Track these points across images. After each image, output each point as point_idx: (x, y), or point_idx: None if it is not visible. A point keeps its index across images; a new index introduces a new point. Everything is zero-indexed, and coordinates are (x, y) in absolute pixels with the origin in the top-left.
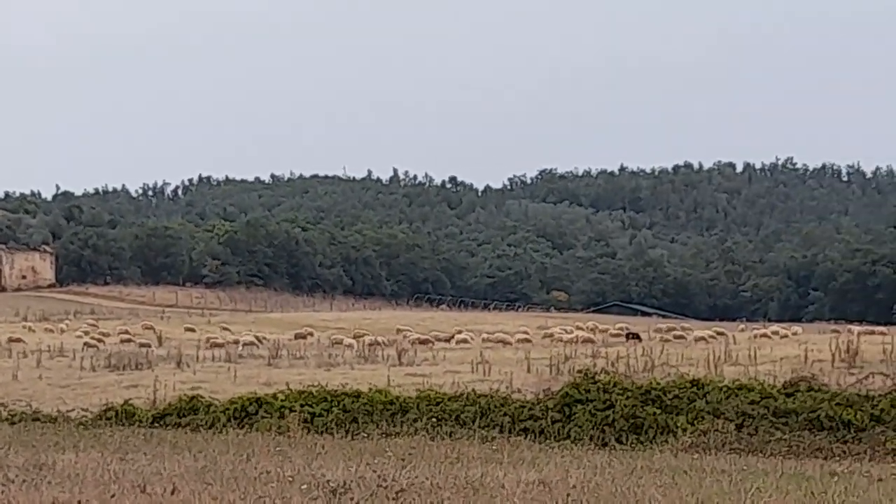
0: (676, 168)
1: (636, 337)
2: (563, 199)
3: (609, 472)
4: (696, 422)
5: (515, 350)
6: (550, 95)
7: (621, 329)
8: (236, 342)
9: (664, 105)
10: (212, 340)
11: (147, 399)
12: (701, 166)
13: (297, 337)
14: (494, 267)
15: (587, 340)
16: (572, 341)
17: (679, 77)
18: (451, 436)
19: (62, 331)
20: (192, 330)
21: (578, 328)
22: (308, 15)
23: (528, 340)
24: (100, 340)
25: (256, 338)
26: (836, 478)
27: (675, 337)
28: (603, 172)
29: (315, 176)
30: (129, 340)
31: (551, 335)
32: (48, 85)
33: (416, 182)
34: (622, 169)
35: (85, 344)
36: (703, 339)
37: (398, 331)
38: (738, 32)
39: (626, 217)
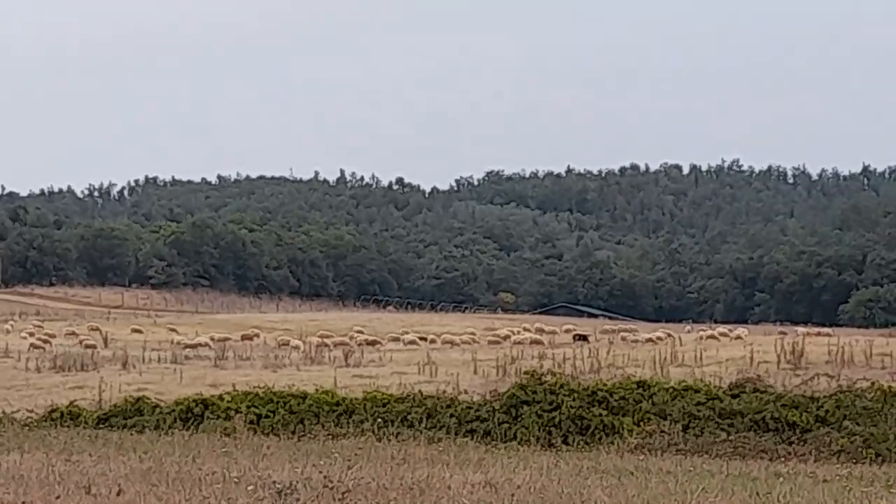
0: (623, 170)
1: (584, 338)
2: (509, 200)
3: (555, 473)
4: (641, 423)
5: (462, 351)
6: (497, 97)
7: (569, 331)
8: (208, 343)
9: (611, 107)
10: (184, 342)
11: (92, 400)
12: (647, 168)
13: (243, 338)
14: (441, 268)
15: (536, 342)
16: (521, 342)
17: (625, 78)
18: (397, 437)
19: (7, 332)
20: (139, 331)
21: (525, 330)
22: (249, 15)
23: (475, 341)
24: (45, 341)
25: (211, 338)
26: (781, 479)
27: (622, 339)
28: (550, 174)
29: (262, 177)
30: (86, 344)
31: (505, 337)
32: None
33: (363, 183)
34: (569, 171)
35: (31, 345)
36: (649, 340)
37: (357, 332)
38: (684, 33)
39: (572, 219)
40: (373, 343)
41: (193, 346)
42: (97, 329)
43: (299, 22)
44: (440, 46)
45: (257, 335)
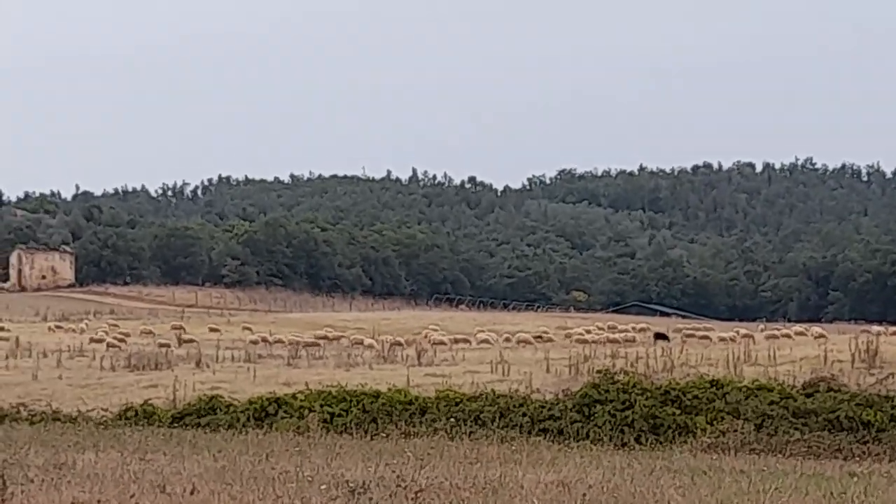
0: (696, 168)
1: (663, 337)
2: (582, 199)
3: (628, 473)
4: (715, 422)
5: (535, 350)
6: (569, 95)
7: (643, 329)
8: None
9: (684, 105)
10: (276, 337)
11: (167, 399)
12: (720, 166)
13: (316, 337)
14: (513, 267)
15: (612, 341)
16: (597, 342)
17: (698, 77)
18: (470, 436)
19: (82, 331)
20: (217, 330)
21: (598, 329)
22: (320, 16)
23: (549, 339)
24: (121, 340)
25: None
26: (855, 478)
27: (699, 337)
28: (622, 172)
29: (334, 176)
30: (160, 343)
31: (581, 338)
32: (68, 84)
33: (436, 182)
34: (641, 169)
35: (107, 344)
36: (724, 339)
37: (431, 331)
38: (755, 32)
39: (645, 217)
40: (459, 341)
41: (311, 345)
42: (180, 328)
43: (368, 22)
44: (512, 44)
45: (327, 336)
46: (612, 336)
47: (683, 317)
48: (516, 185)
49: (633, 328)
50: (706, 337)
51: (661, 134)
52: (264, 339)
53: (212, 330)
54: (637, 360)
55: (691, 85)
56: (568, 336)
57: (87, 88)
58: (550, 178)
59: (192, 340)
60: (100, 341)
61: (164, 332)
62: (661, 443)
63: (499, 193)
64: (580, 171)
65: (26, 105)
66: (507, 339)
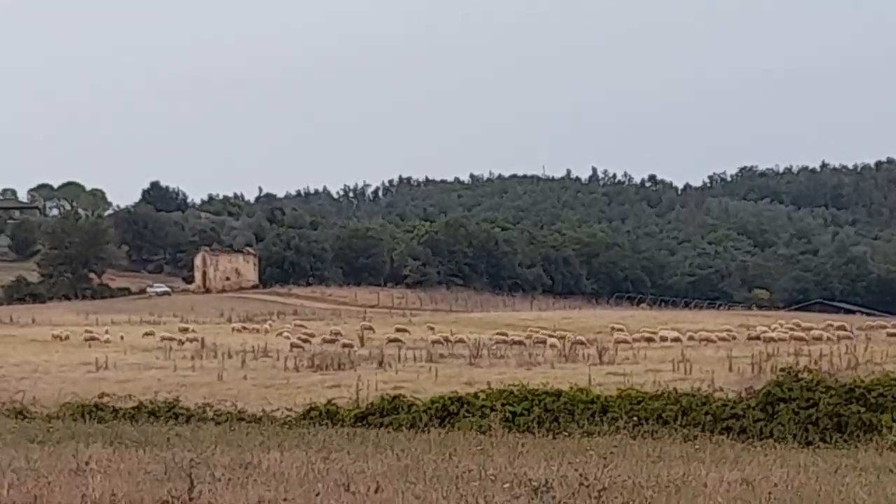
0: (879, 164)
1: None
2: (763, 196)
3: (812, 471)
4: None
5: (717, 348)
6: (751, 93)
7: (829, 327)
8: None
9: (866, 100)
10: (458, 337)
11: (350, 399)
12: None
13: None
14: (695, 265)
15: (798, 338)
16: (782, 339)
17: (880, 72)
18: (652, 435)
19: (266, 331)
20: (404, 330)
21: (782, 327)
22: (493, 24)
23: (733, 338)
24: (305, 341)
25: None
26: None
27: (887, 335)
28: (804, 169)
29: (514, 176)
30: (344, 343)
31: (768, 335)
32: (253, 90)
33: (616, 181)
34: (824, 165)
35: (292, 344)
36: None
37: (613, 329)
38: None
39: (828, 214)
40: (649, 339)
41: (518, 343)
42: (370, 328)
43: (549, 28)
44: (692, 45)
45: (508, 335)
46: (797, 334)
47: (868, 314)
48: (697, 183)
49: (821, 326)
50: (893, 334)
51: (843, 129)
52: (446, 339)
53: (398, 330)
54: (821, 358)
55: (875, 79)
56: (752, 337)
57: (270, 94)
58: (731, 176)
59: (397, 340)
60: (304, 342)
61: (351, 332)
62: (846, 441)
63: (679, 191)
64: (761, 168)
65: (210, 110)
66: (691, 338)
